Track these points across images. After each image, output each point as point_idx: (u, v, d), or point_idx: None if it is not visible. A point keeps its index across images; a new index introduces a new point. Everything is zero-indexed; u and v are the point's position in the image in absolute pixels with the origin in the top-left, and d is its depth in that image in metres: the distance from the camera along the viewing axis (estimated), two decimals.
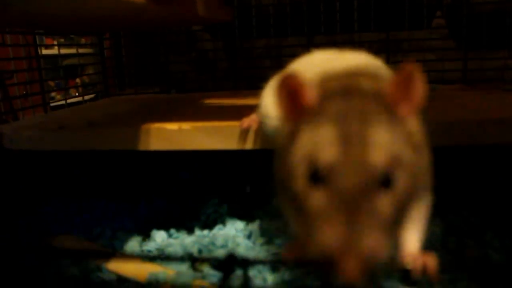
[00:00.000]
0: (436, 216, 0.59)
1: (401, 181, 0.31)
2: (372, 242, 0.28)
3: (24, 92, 0.97)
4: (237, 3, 1.18)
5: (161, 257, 0.56)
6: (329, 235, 0.28)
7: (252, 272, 0.54)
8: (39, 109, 0.96)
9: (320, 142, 0.31)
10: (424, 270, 0.37)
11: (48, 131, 0.74)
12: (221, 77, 1.28)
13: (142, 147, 0.68)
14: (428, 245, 0.39)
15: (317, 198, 0.30)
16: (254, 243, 0.68)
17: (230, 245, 0.67)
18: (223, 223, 0.74)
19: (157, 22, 0.88)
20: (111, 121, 0.76)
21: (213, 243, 0.67)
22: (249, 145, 0.65)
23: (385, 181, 0.30)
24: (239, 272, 0.35)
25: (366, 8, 1.16)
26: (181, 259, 0.54)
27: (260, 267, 0.54)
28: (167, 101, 1.01)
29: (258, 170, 0.60)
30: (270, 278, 0.55)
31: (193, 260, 0.46)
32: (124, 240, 0.74)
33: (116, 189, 0.82)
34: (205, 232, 0.73)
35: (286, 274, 0.52)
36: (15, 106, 0.90)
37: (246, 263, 0.36)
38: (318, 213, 0.29)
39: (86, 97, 1.22)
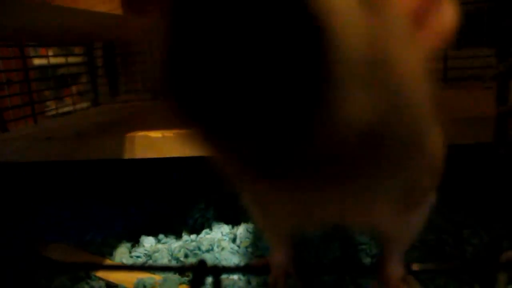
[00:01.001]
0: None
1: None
2: None
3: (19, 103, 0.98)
4: None
5: (147, 266, 0.58)
6: None
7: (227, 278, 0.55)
8: (31, 120, 0.97)
9: None
10: None
11: (36, 141, 0.75)
12: None
13: (127, 155, 0.70)
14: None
15: None
16: (239, 246, 0.69)
17: (215, 249, 0.69)
18: (210, 227, 0.76)
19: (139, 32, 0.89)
20: (98, 131, 0.77)
21: (199, 248, 0.69)
22: None
23: None
24: (210, 280, 0.37)
25: None
26: (164, 268, 0.55)
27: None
28: (154, 109, 1.02)
29: None
30: (242, 283, 0.56)
31: (177, 269, 0.47)
32: (114, 246, 0.75)
33: (106, 195, 0.84)
34: (192, 236, 0.74)
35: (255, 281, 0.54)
36: (6, 118, 0.91)
37: (217, 270, 0.38)
38: None
39: (81, 106, 1.24)
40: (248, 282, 0.56)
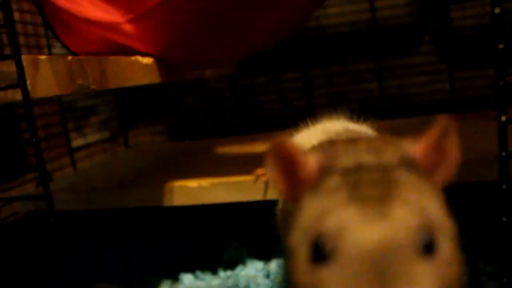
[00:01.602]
0: None
1: (446, 247, 0.23)
2: None
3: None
4: None
5: None
6: None
7: None
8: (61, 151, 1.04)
9: (326, 208, 0.24)
10: None
11: (81, 192, 0.82)
12: (227, 114, 1.35)
13: (166, 203, 0.77)
14: None
15: (324, 281, 0.22)
16: (272, 281, 0.76)
17: (251, 285, 0.75)
18: (244, 263, 0.83)
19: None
20: (137, 181, 0.84)
21: (237, 285, 0.76)
22: (261, 196, 0.73)
23: (426, 246, 0.22)
24: None
25: (358, 39, 1.24)
26: None
27: None
28: (183, 152, 1.10)
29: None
30: None
31: None
32: (156, 284, 0.82)
33: (144, 236, 0.91)
34: (228, 273, 0.81)
35: None
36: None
37: None
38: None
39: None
40: None
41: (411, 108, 1.18)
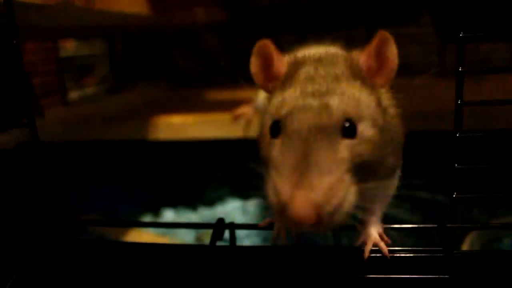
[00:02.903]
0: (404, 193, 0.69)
1: (366, 132, 0.30)
2: (325, 185, 0.26)
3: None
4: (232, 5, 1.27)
5: (175, 223, 0.67)
6: (281, 181, 0.27)
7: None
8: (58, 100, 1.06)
9: (284, 100, 0.31)
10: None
11: (70, 125, 0.85)
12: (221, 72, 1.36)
13: (151, 137, 0.79)
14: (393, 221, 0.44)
15: (275, 148, 0.29)
16: (250, 219, 0.79)
17: (228, 220, 0.78)
18: (224, 201, 0.85)
19: (161, 28, 0.98)
20: (124, 116, 0.87)
21: (213, 220, 0.78)
22: (240, 133, 0.75)
23: (348, 130, 0.29)
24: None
25: (355, 6, 1.24)
26: (189, 225, 0.65)
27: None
28: (173, 97, 1.12)
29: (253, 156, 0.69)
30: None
31: (200, 226, 0.56)
32: (139, 217, 0.85)
33: (130, 174, 0.93)
34: (207, 209, 0.84)
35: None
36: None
37: (233, 226, 0.47)
38: (275, 162, 0.29)
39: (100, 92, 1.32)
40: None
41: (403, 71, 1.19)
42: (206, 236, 0.74)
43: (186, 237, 0.74)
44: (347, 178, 0.28)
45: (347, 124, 0.29)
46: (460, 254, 0.39)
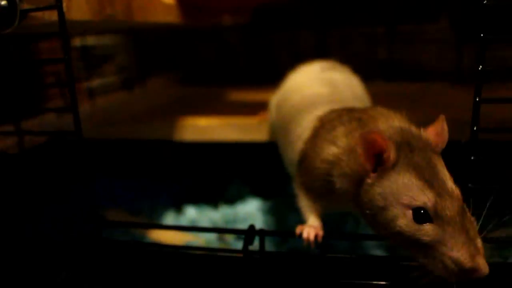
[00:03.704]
0: None
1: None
2: (481, 243, 0.37)
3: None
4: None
5: (205, 228, 0.71)
6: (462, 255, 0.36)
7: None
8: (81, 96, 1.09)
9: (411, 189, 0.38)
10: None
11: (96, 124, 0.89)
12: (241, 66, 1.38)
13: (176, 138, 0.83)
14: None
15: (430, 232, 0.37)
16: (269, 218, 0.82)
17: (248, 220, 0.82)
18: (244, 200, 0.89)
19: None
20: (150, 116, 0.90)
21: (235, 219, 0.82)
22: (264, 137, 0.79)
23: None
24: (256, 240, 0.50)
25: (375, 3, 1.25)
26: (219, 230, 0.69)
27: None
28: (195, 96, 1.15)
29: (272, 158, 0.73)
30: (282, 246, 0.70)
31: (232, 231, 0.60)
32: (161, 214, 0.89)
33: (155, 173, 0.97)
34: (229, 208, 0.88)
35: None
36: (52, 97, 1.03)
37: (263, 232, 0.51)
38: (437, 241, 0.37)
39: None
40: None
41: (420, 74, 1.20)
42: (228, 235, 0.77)
43: (208, 234, 0.77)
44: None
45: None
46: None
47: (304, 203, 0.52)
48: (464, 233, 0.37)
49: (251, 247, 0.49)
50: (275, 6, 1.15)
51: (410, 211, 0.38)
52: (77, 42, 1.35)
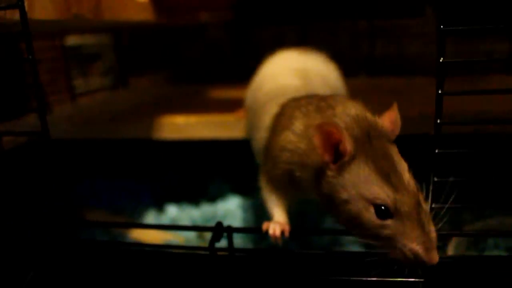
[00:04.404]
0: None
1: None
2: (434, 233, 0.39)
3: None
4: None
5: (176, 226, 0.71)
6: (416, 246, 0.38)
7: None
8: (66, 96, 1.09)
9: (372, 185, 0.39)
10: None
11: (78, 124, 0.88)
12: (225, 63, 1.38)
13: (155, 137, 0.82)
14: None
15: (391, 227, 0.39)
16: (249, 216, 0.82)
17: (228, 217, 0.82)
18: (225, 198, 0.89)
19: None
20: (129, 115, 0.90)
21: (214, 216, 0.82)
22: (241, 134, 0.79)
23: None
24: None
25: None
26: (190, 228, 0.69)
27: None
28: (177, 94, 1.15)
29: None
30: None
31: (201, 229, 0.60)
32: (143, 214, 0.89)
33: (136, 172, 0.97)
34: (209, 206, 0.88)
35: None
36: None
37: (230, 229, 0.51)
38: (399, 237, 0.39)
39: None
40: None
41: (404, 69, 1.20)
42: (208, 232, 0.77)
43: (188, 233, 0.77)
44: None
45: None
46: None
47: (268, 196, 0.52)
48: (420, 227, 0.39)
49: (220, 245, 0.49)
50: (258, 2, 1.15)
51: (373, 207, 0.39)
52: (62, 41, 1.35)
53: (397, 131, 0.43)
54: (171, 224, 0.79)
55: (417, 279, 0.42)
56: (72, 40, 1.27)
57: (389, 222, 0.39)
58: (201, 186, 0.93)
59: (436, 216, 0.45)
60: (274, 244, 0.49)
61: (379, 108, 0.46)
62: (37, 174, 0.82)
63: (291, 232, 0.49)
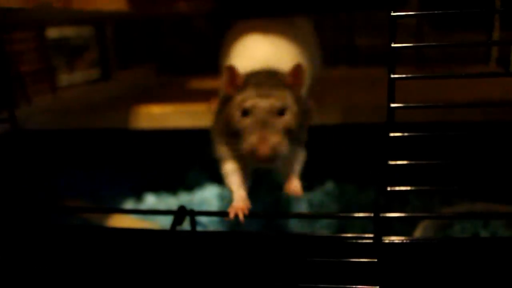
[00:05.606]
0: None
1: (289, 115, 0.52)
2: (275, 139, 0.49)
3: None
4: None
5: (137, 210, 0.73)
6: (253, 138, 0.49)
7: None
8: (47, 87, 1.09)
9: (246, 97, 0.52)
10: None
11: (57, 114, 0.89)
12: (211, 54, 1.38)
13: (132, 126, 0.83)
14: None
15: (246, 122, 0.51)
16: (226, 204, 0.83)
17: (204, 206, 0.83)
18: (202, 187, 0.90)
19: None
20: (108, 105, 0.91)
21: (191, 204, 0.83)
22: None
23: (281, 112, 0.52)
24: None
25: None
26: (152, 212, 0.71)
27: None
28: (159, 85, 1.16)
29: None
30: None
31: (163, 212, 0.61)
32: (121, 203, 0.90)
33: (115, 162, 0.97)
34: (187, 195, 0.89)
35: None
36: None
37: (193, 213, 0.51)
38: (247, 130, 0.50)
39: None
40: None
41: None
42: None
43: (165, 221, 0.78)
44: (284, 136, 0.51)
45: (281, 110, 0.52)
46: (388, 241, 0.45)
47: (226, 169, 0.59)
48: (263, 126, 0.50)
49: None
50: None
51: (241, 110, 0.52)
52: (49, 33, 1.35)
53: (301, 82, 0.56)
54: (133, 209, 0.81)
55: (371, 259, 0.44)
56: (54, 32, 1.27)
57: (244, 118, 0.51)
58: (179, 175, 0.94)
59: (394, 199, 0.46)
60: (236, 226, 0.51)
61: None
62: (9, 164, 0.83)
63: (250, 212, 0.51)
